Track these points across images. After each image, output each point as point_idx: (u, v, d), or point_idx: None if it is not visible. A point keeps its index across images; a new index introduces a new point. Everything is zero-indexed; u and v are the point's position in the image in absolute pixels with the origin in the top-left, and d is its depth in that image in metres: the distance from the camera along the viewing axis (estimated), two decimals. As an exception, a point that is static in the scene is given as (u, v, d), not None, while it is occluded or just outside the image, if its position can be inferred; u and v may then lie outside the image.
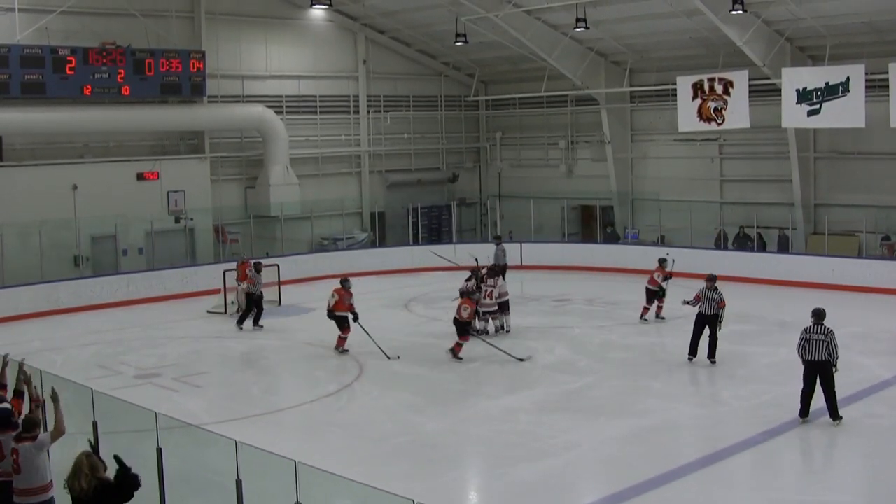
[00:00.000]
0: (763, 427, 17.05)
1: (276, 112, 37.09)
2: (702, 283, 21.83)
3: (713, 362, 21.33)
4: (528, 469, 15.33)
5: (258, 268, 27.24)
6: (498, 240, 32.78)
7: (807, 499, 13.98)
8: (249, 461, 10.33)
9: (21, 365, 11.84)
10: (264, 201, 36.72)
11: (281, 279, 30.56)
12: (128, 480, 9.85)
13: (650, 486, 14.39)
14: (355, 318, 23.37)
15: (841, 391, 18.78)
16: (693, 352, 21.65)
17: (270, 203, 36.53)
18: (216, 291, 29.56)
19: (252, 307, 26.90)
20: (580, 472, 15.72)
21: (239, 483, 9.95)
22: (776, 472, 15.45)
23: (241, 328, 26.63)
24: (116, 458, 9.94)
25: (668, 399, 19.28)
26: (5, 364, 13.03)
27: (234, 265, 29.53)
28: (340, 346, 23.60)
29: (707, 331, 21.48)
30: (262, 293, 27.12)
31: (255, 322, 26.80)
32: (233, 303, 28.84)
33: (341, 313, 23.47)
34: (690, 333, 21.73)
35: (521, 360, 22.14)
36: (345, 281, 24.23)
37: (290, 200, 36.90)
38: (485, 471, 16.04)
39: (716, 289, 21.54)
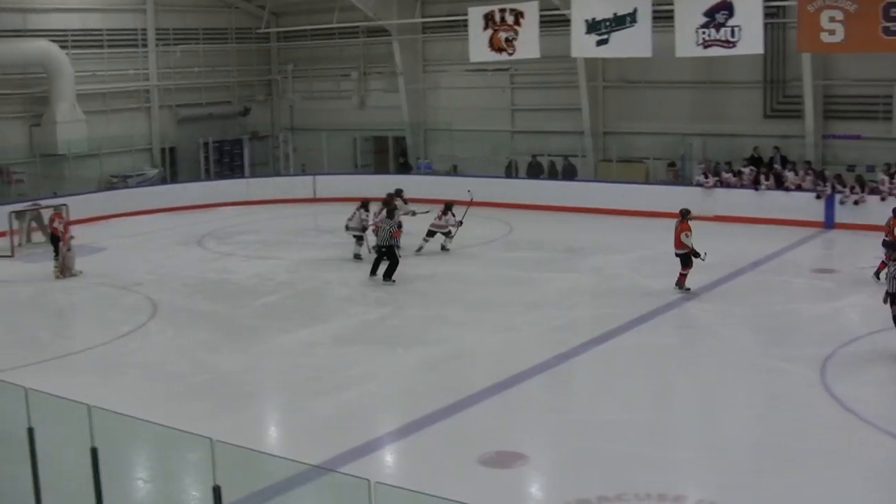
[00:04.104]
0: (556, 350, 17.62)
1: (62, 47, 35.69)
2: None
3: None
4: (327, 402, 15.50)
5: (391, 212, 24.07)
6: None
7: (600, 418, 14.51)
8: (41, 408, 10.12)
9: None
10: (51, 139, 35.45)
11: (70, 219, 29.73)
12: None
13: (448, 414, 14.73)
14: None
15: (630, 313, 19.66)
16: None
17: (57, 141, 35.29)
18: (2, 234, 28.58)
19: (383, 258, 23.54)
20: (378, 403, 15.95)
21: (31, 431, 9.75)
22: (570, 394, 16.02)
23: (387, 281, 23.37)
24: None
25: (464, 327, 19.70)
26: None
27: (20, 206, 28.55)
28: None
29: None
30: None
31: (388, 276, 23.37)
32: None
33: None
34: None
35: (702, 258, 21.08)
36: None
37: (78, 138, 35.76)
38: (284, 406, 16.15)
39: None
